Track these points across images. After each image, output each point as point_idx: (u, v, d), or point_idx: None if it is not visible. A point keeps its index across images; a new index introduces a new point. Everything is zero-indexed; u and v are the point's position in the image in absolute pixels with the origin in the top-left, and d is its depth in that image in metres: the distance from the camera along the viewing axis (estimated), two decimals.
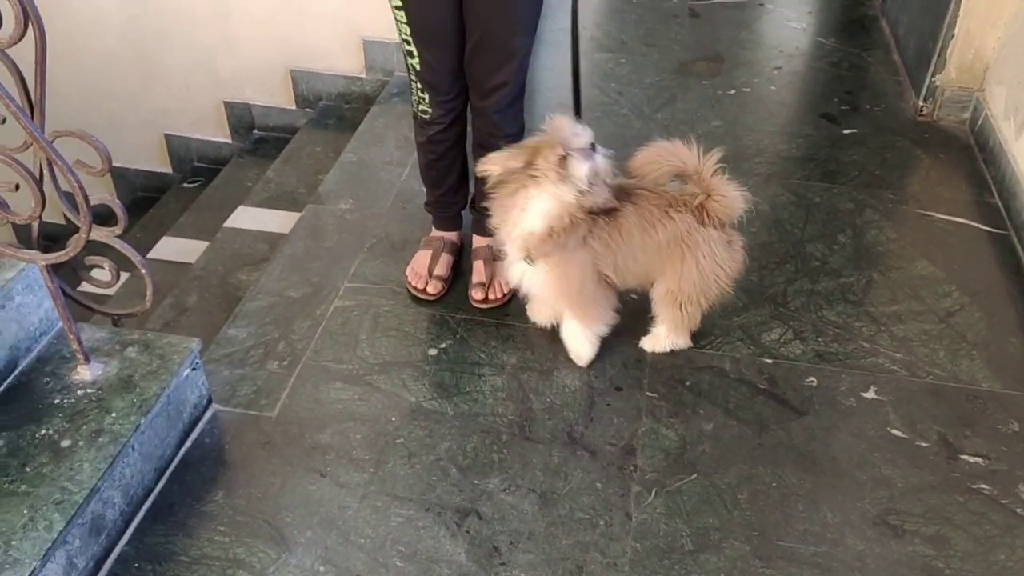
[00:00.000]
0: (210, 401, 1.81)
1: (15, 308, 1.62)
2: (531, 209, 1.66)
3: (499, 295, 2.08)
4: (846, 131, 2.78)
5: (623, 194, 1.73)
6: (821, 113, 2.89)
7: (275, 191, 2.77)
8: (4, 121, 1.35)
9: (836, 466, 1.70)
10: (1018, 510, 1.61)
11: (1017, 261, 2.24)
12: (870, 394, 1.86)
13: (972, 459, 1.70)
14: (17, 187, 1.44)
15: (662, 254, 1.76)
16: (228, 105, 3.34)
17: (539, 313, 1.97)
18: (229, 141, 3.43)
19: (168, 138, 3.48)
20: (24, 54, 1.33)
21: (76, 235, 1.50)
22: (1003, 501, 1.62)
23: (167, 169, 3.55)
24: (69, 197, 1.47)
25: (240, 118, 3.36)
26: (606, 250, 1.73)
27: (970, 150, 2.68)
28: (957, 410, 1.82)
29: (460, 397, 1.84)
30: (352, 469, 1.68)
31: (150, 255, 2.76)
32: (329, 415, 1.79)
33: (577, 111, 1.85)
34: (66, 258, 1.51)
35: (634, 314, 1.95)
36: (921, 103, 2.84)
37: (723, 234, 1.77)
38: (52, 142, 1.40)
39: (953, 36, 2.70)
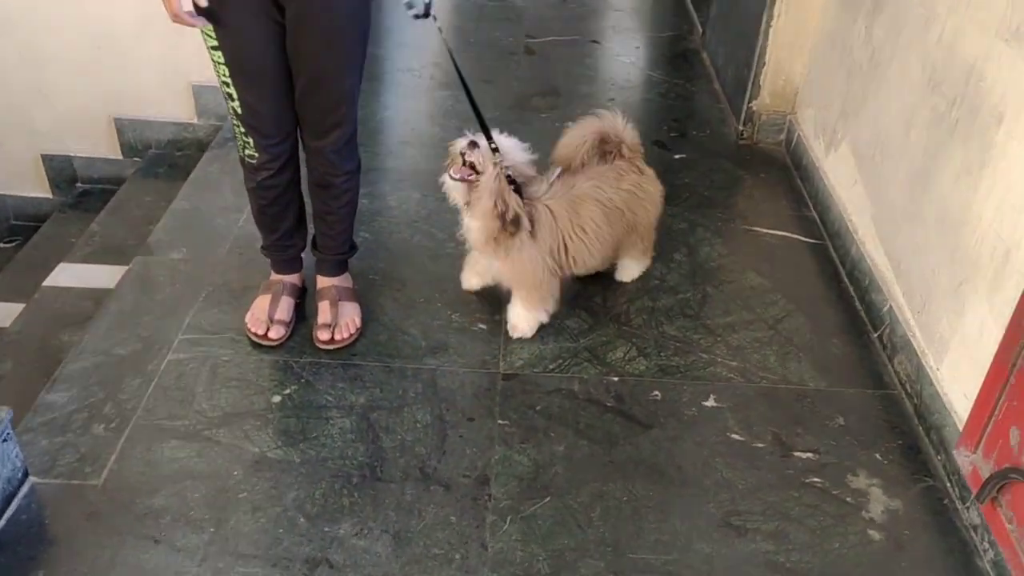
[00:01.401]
0: (26, 474, 1.65)
1: None
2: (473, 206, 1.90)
3: (345, 335, 2.03)
4: (676, 156, 2.92)
5: (581, 199, 2.01)
6: (653, 140, 3.02)
7: (100, 245, 2.61)
8: None
9: (682, 474, 1.75)
10: (848, 499, 1.71)
11: (834, 268, 2.40)
12: (710, 402, 1.93)
13: (804, 455, 1.80)
14: None
15: (628, 219, 2.09)
16: (47, 158, 3.14)
17: (470, 280, 2.19)
18: (49, 196, 3.22)
19: None
20: None
21: None
22: (834, 492, 1.72)
23: None
24: None
25: (60, 171, 3.17)
26: (573, 243, 2.00)
27: (787, 169, 2.88)
28: (788, 410, 1.92)
29: (307, 443, 1.77)
30: (190, 531, 1.57)
31: None
32: (163, 476, 1.68)
33: (487, 134, 1.93)
34: None
35: (479, 338, 1.95)
36: (741, 127, 3.03)
37: (649, 169, 2.18)
38: None
39: (764, 64, 2.90)
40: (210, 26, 1.69)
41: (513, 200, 1.88)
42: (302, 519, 1.61)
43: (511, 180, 1.89)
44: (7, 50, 2.91)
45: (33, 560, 1.52)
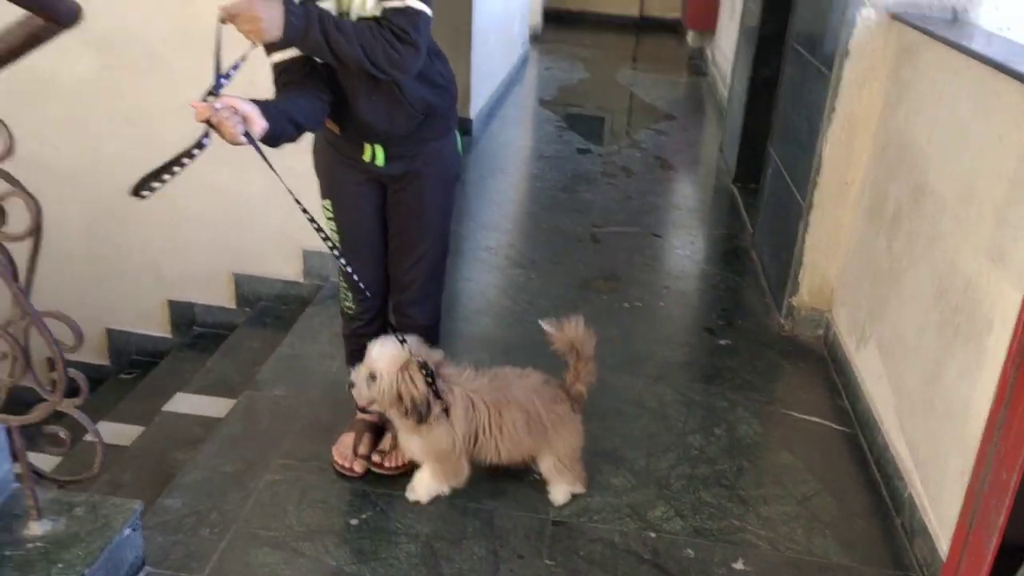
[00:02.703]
0: (144, 563, 1.95)
1: None
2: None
3: (396, 464, 2.32)
4: (722, 342, 3.24)
5: (509, 405, 2.16)
6: (702, 326, 3.36)
7: (213, 380, 3.01)
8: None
9: None
10: None
11: (863, 455, 2.62)
12: (739, 565, 2.13)
13: None
14: (5, 355, 1.68)
15: (549, 437, 2.19)
16: (172, 304, 3.63)
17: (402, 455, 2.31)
18: (169, 336, 3.68)
19: (110, 332, 3.71)
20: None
21: (42, 403, 1.73)
22: None
23: (104, 361, 3.74)
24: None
25: (182, 315, 3.64)
26: (484, 438, 2.14)
27: (824, 361, 3.15)
28: None
29: (377, 562, 2.03)
30: None
31: (84, 439, 2.89)
32: None
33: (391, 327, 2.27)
34: (36, 420, 1.72)
35: (534, 487, 2.22)
36: (783, 320, 3.35)
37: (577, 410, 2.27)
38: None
39: (802, 266, 3.26)
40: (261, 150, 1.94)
41: (418, 393, 2.03)
42: None
43: (424, 367, 2.05)
44: (153, 210, 3.46)
45: None
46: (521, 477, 2.36)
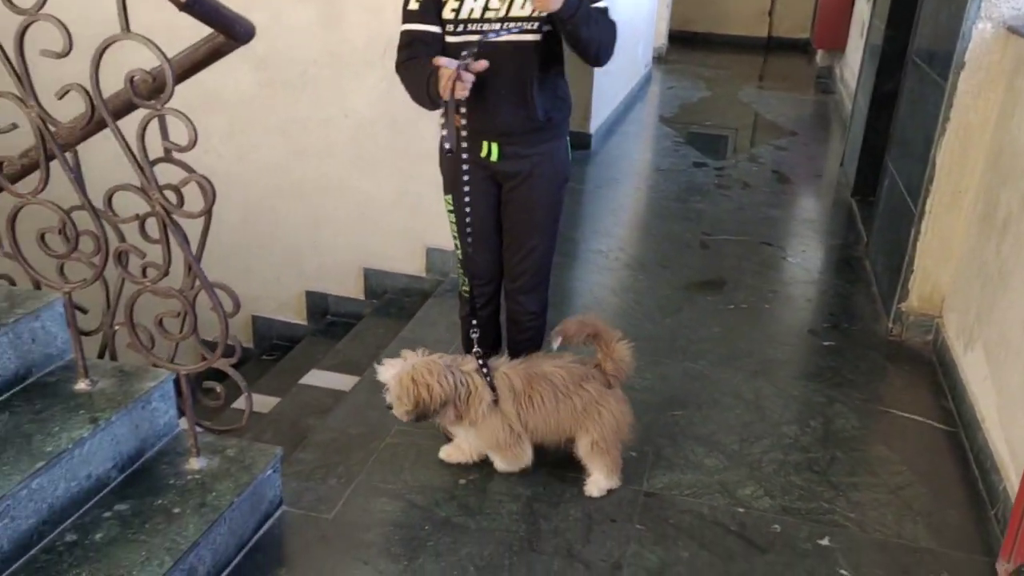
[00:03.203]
0: (281, 501, 2.24)
1: (151, 411, 2.13)
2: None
3: None
4: (826, 343, 3.28)
5: (538, 377, 2.26)
6: (807, 329, 3.42)
7: (342, 360, 3.33)
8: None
9: None
10: None
11: (963, 452, 2.63)
12: (824, 542, 2.21)
13: None
14: (179, 314, 2.01)
15: (579, 417, 2.26)
16: (309, 295, 4.01)
17: (452, 456, 2.44)
18: (305, 323, 4.06)
19: (255, 319, 4.13)
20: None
21: (201, 362, 2.05)
22: None
23: (249, 345, 4.16)
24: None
25: (317, 305, 4.01)
26: (524, 416, 2.25)
27: (932, 365, 3.15)
28: (898, 561, 2.15)
29: (482, 516, 2.24)
30: (390, 561, 2.07)
31: (231, 407, 3.27)
32: (375, 521, 2.21)
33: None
34: (200, 369, 2.05)
35: (630, 463, 2.38)
36: (891, 325, 3.36)
37: (621, 393, 2.33)
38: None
39: (913, 271, 3.27)
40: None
41: (435, 392, 2.14)
42: (472, 568, 2.06)
43: (480, 358, 2.24)
44: (298, 212, 3.86)
45: (279, 562, 2.07)
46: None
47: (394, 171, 3.65)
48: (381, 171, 3.68)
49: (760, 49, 10.87)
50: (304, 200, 3.84)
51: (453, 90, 1.99)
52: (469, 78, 2.01)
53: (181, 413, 2.19)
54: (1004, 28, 2.86)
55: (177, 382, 2.16)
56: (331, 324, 3.92)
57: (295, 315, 4.07)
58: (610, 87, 6.32)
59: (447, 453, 2.46)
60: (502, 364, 2.31)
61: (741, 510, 2.32)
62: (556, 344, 2.26)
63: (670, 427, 2.67)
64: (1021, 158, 2.63)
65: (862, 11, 7.14)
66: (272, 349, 4.06)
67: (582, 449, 2.31)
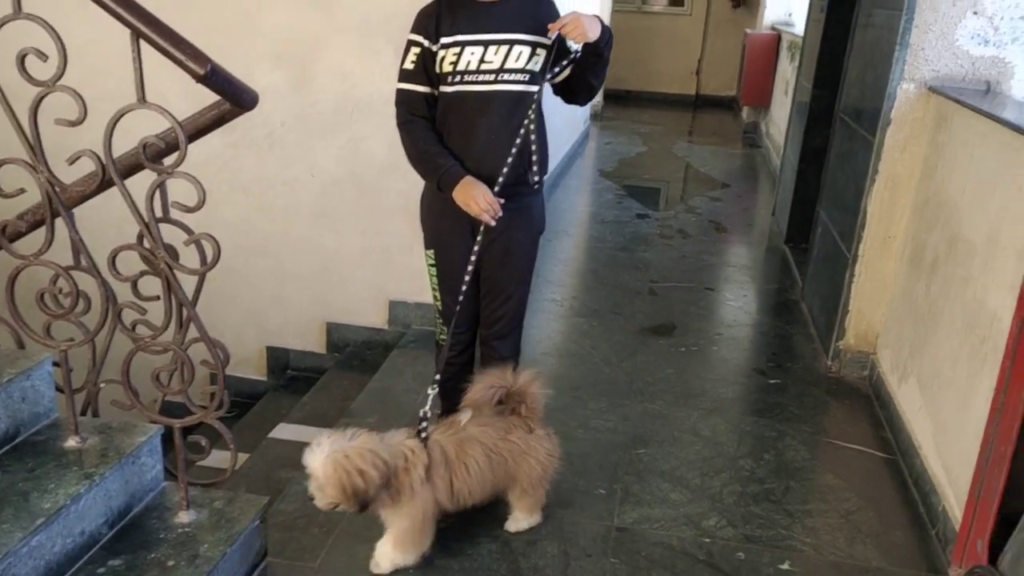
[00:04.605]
0: (266, 552, 2.29)
1: (140, 465, 2.17)
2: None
3: None
4: (772, 381, 3.49)
5: (468, 440, 2.23)
6: (752, 368, 3.63)
7: (310, 412, 3.39)
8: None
9: None
10: None
11: (903, 477, 2.83)
12: (785, 566, 2.37)
13: None
14: (175, 369, 2.08)
15: (509, 470, 2.29)
16: (270, 350, 4.06)
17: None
18: (265, 379, 4.09)
19: (212, 376, 4.13)
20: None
21: (195, 415, 2.12)
22: None
23: (205, 402, 4.15)
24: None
25: (278, 360, 4.06)
26: (457, 485, 2.19)
27: (869, 398, 3.38)
28: None
29: (464, 556, 2.33)
30: None
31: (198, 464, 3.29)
32: (359, 567, 2.28)
33: None
34: (194, 423, 2.11)
35: (600, 499, 2.50)
36: (830, 363, 3.60)
37: (543, 431, 2.37)
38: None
39: (849, 312, 3.52)
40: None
41: (369, 477, 2.03)
42: None
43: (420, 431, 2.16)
44: (261, 268, 3.93)
45: None
46: (588, 491, 2.65)
47: (359, 227, 3.77)
48: (346, 227, 3.79)
49: (689, 106, 11.40)
50: (268, 256, 3.92)
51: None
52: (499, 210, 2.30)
53: (166, 468, 2.25)
54: (926, 88, 3.16)
55: (165, 438, 2.22)
56: (292, 379, 3.97)
57: (255, 371, 4.11)
58: (553, 143, 6.55)
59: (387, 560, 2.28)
60: (433, 432, 2.24)
61: (707, 540, 2.46)
62: (466, 419, 2.27)
63: (635, 464, 2.81)
64: (945, 206, 2.91)
65: (785, 71, 7.62)
66: (232, 406, 4.06)
67: (511, 494, 2.39)
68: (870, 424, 3.18)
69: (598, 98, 10.07)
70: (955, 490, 2.47)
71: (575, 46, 2.36)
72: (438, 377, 2.34)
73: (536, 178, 2.48)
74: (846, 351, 3.56)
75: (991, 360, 2.34)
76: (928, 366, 2.87)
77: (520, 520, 2.45)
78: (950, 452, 2.56)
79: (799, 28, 7.13)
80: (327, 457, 2.06)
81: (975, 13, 3.05)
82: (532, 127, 2.39)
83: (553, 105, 2.51)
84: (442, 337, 2.64)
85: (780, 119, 7.29)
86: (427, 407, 2.23)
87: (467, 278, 2.38)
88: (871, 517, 2.60)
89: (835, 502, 2.68)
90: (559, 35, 2.29)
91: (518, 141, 2.34)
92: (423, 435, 2.19)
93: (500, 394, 2.28)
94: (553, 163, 6.67)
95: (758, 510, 2.61)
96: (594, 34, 2.25)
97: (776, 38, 8.58)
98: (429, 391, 2.28)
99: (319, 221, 3.80)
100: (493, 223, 2.32)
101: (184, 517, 2.14)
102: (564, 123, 7.09)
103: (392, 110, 2.40)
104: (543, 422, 2.39)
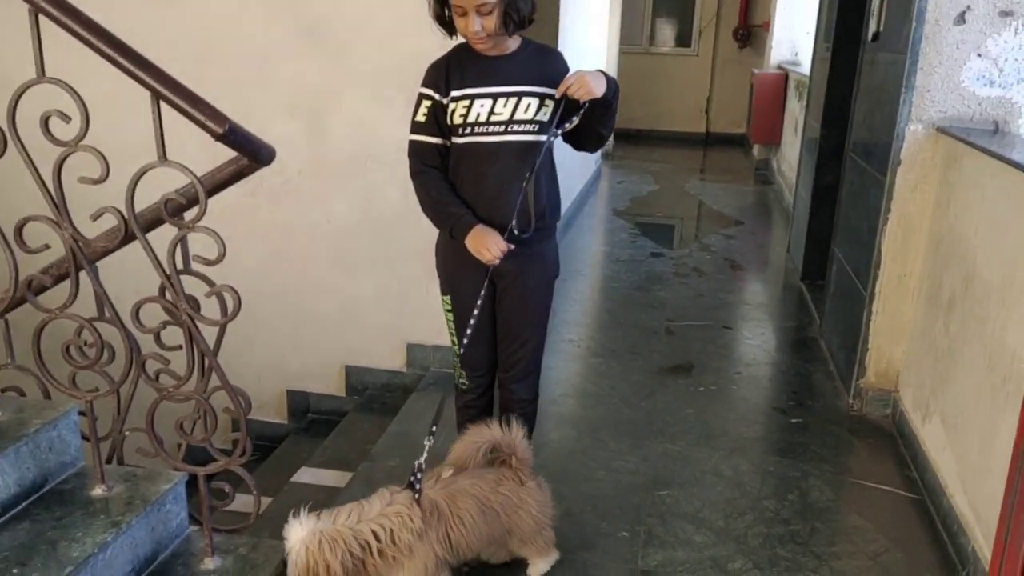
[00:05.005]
0: None
1: (165, 512, 2.18)
2: None
3: None
4: (793, 420, 3.47)
5: (460, 493, 2.18)
6: (773, 407, 3.61)
7: (331, 456, 3.39)
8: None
9: None
10: None
11: (930, 517, 2.80)
12: None
13: None
14: (198, 417, 2.10)
15: (503, 521, 2.24)
16: (290, 393, 4.07)
17: None
18: (285, 422, 4.11)
19: (233, 421, 4.15)
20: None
21: (218, 462, 2.13)
22: None
23: (227, 446, 4.17)
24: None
25: (298, 403, 4.07)
26: (455, 539, 2.13)
27: (892, 437, 3.35)
28: None
29: None
30: None
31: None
32: None
33: None
34: (218, 470, 2.12)
35: (624, 541, 2.48)
36: (852, 401, 3.58)
37: (533, 481, 2.33)
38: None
39: (868, 351, 3.50)
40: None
41: (333, 570, 1.95)
42: None
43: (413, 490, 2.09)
44: (279, 313, 3.97)
45: None
46: (610, 534, 2.63)
47: (375, 271, 3.81)
48: (362, 272, 3.83)
49: (700, 143, 11.49)
50: (287, 301, 3.96)
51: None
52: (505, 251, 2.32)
53: (190, 514, 2.25)
54: (934, 129, 3.19)
55: (188, 484, 2.23)
56: (312, 421, 3.98)
57: (276, 414, 4.12)
58: (565, 183, 6.61)
59: None
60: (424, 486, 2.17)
61: None
62: (448, 475, 2.24)
63: (658, 506, 2.79)
64: (959, 244, 2.91)
65: (794, 109, 7.69)
66: (253, 449, 4.07)
67: (512, 546, 2.37)
68: (895, 463, 3.15)
69: (609, 138, 10.16)
70: (984, 530, 2.44)
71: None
72: (435, 428, 2.26)
73: (548, 223, 2.51)
74: (867, 389, 3.54)
75: (1013, 400, 2.33)
76: (951, 404, 2.85)
77: (539, 565, 2.42)
78: (977, 492, 2.53)
79: (805, 68, 7.22)
80: (300, 541, 1.99)
81: (979, 55, 3.08)
82: (542, 174, 2.43)
83: (565, 145, 2.55)
84: (462, 381, 2.65)
85: (791, 156, 7.33)
86: (422, 458, 2.18)
87: (472, 322, 2.39)
88: (900, 559, 2.57)
89: (862, 543, 2.64)
90: (565, 94, 2.31)
91: (529, 188, 2.37)
92: (417, 487, 2.12)
93: (485, 449, 2.26)
94: (566, 203, 6.72)
95: (784, 552, 2.58)
96: (600, 90, 2.27)
97: (783, 77, 8.67)
98: (426, 442, 2.23)
99: (336, 266, 3.85)
100: (496, 262, 2.31)
101: (210, 564, 2.15)
102: (576, 162, 7.16)
103: (405, 158, 2.44)
104: (533, 473, 2.36)
